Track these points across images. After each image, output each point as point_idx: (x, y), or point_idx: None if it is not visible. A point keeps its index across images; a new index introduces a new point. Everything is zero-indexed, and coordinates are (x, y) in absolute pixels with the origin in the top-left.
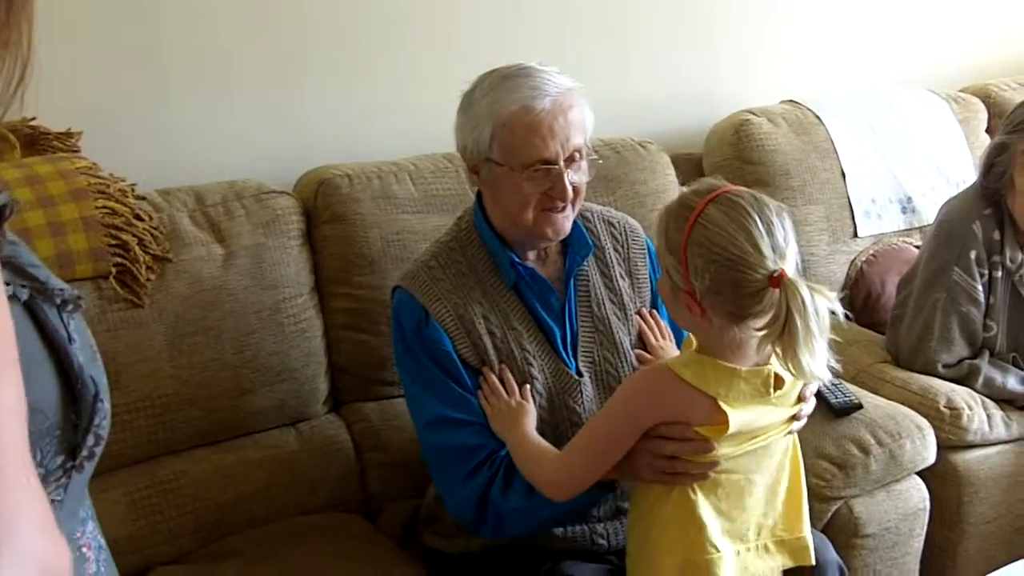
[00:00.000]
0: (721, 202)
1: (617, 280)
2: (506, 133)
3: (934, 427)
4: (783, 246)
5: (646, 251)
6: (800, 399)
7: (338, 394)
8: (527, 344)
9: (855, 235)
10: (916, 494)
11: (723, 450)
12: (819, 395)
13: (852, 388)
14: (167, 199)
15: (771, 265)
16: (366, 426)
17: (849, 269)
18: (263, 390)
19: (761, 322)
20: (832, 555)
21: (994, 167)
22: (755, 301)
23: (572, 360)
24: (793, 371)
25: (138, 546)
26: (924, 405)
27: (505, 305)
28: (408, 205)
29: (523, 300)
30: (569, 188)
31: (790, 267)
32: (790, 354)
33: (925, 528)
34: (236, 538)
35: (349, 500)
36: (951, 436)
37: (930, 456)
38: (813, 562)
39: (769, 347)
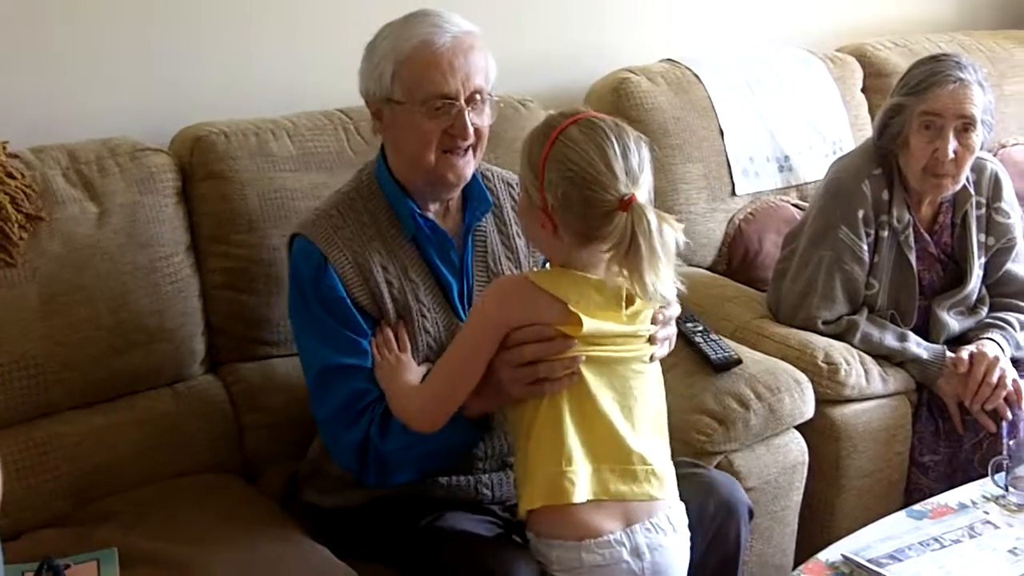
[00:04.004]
0: (583, 124)
1: (514, 238)
2: (407, 69)
3: (812, 382)
4: (637, 172)
5: None
6: (655, 321)
7: (216, 354)
8: (423, 296)
9: (733, 193)
10: (795, 448)
11: (583, 344)
12: (698, 350)
13: (731, 344)
14: (40, 157)
15: (623, 188)
16: (244, 387)
17: (727, 227)
18: (139, 350)
19: (608, 245)
20: (742, 495)
21: (888, 127)
22: (604, 222)
23: (467, 314)
24: (638, 292)
25: (12, 509)
26: (803, 360)
27: (404, 256)
28: (286, 163)
29: (422, 252)
30: (470, 127)
31: (642, 194)
32: (635, 275)
33: (804, 482)
34: (113, 500)
35: (228, 461)
36: (829, 391)
37: (808, 410)
38: (675, 496)
39: (617, 268)
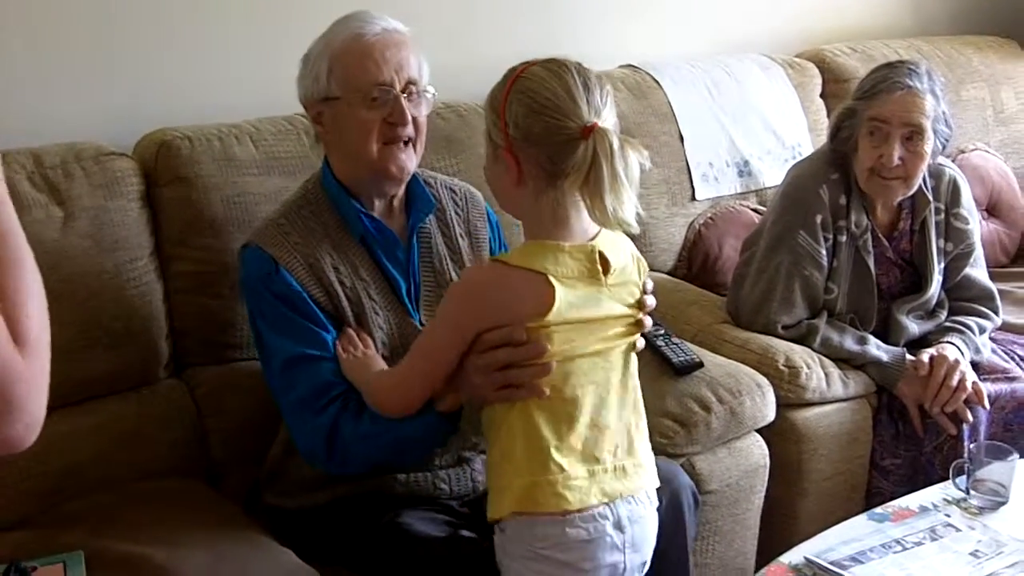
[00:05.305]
0: (544, 61)
1: (457, 239)
2: (341, 63)
3: (773, 385)
4: (600, 105)
5: (486, 216)
6: (640, 306)
7: (180, 358)
8: (374, 295)
9: (693, 198)
10: (757, 451)
11: (558, 336)
12: (660, 353)
13: (693, 347)
14: (4, 161)
15: (585, 116)
16: (208, 390)
17: (687, 232)
18: (104, 354)
19: (572, 180)
20: (685, 479)
21: (841, 131)
22: (567, 152)
23: (416, 312)
24: (600, 218)
25: None
26: (763, 364)
27: (354, 256)
28: (249, 167)
29: (370, 252)
30: (408, 114)
31: (605, 125)
32: (597, 201)
33: (766, 485)
34: (79, 503)
35: (192, 465)
36: (790, 394)
37: (770, 413)
38: (657, 483)
39: (579, 196)
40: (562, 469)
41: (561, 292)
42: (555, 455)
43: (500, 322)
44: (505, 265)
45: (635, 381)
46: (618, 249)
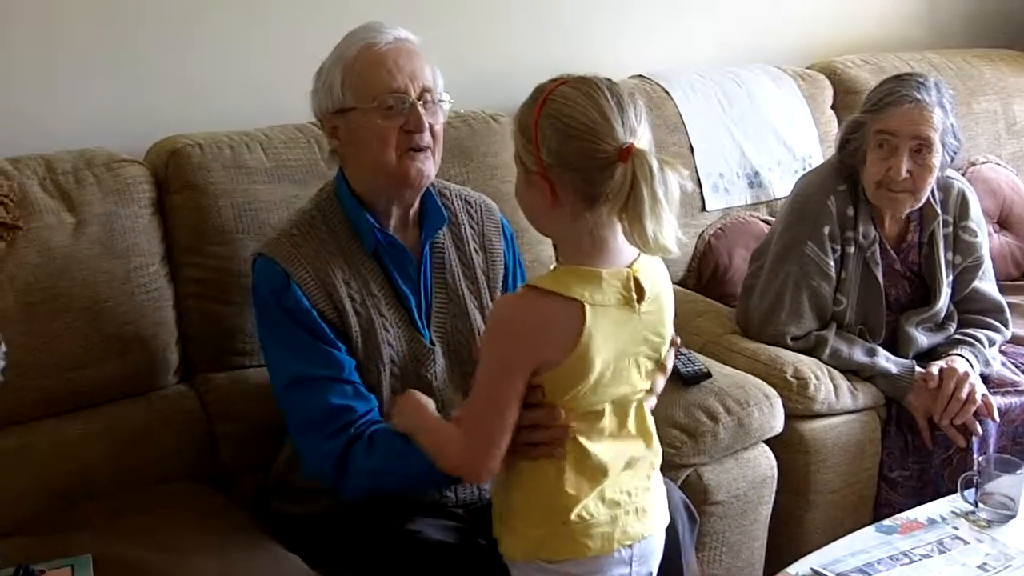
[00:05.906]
0: (573, 80)
1: (471, 254)
2: (355, 74)
3: (782, 396)
4: (635, 124)
5: (501, 229)
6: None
7: (189, 364)
8: (384, 311)
9: (703, 209)
10: (764, 462)
11: (598, 362)
12: None
13: (701, 358)
14: (17, 167)
15: (620, 137)
16: (217, 396)
17: (697, 243)
18: (114, 359)
19: (611, 204)
20: (677, 495)
21: (848, 143)
22: (605, 177)
23: (426, 330)
24: (639, 243)
25: None
26: (772, 375)
27: (365, 271)
28: (260, 175)
29: (382, 267)
30: (425, 121)
31: (642, 145)
32: (636, 225)
33: (773, 496)
34: (87, 507)
35: (201, 470)
36: (798, 405)
37: (778, 424)
38: (661, 487)
39: (617, 220)
40: (582, 519)
41: (591, 317)
42: (577, 505)
43: (541, 351)
44: (539, 291)
45: (651, 419)
46: (655, 276)
